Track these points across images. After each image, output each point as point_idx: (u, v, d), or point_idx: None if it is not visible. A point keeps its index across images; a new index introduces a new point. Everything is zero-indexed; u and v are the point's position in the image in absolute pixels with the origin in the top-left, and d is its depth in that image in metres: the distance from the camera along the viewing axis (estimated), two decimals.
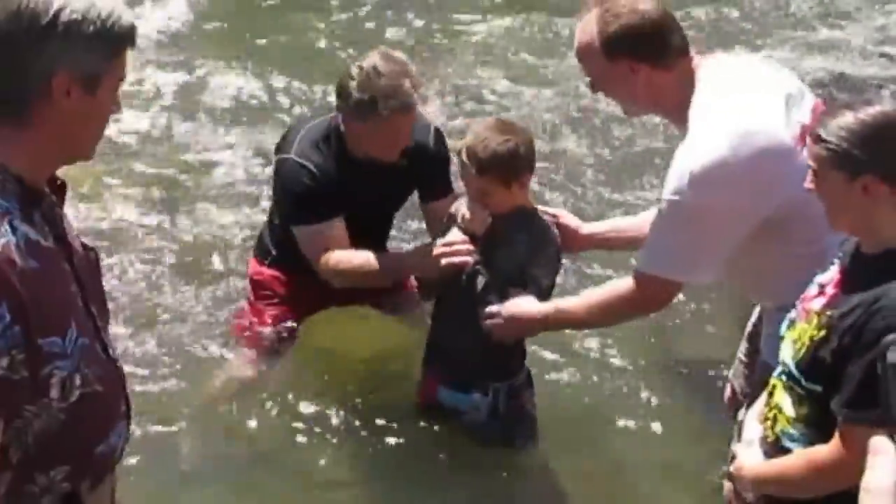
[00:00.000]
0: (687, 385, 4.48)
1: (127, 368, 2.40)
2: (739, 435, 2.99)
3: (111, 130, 2.76)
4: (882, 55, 7.59)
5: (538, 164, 4.03)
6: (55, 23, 2.04)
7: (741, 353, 3.69)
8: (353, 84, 3.86)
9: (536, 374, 4.08)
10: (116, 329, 4.32)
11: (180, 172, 6.10)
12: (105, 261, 4.96)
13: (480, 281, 3.73)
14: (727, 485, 3.28)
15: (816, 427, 2.64)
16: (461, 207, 3.80)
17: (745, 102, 3.19)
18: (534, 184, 4.27)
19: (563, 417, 4.25)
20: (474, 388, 3.84)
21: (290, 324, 4.43)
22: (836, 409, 2.55)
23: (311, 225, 4.05)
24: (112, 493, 2.40)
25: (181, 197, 5.87)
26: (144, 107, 6.67)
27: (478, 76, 7.16)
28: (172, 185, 5.98)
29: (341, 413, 4.27)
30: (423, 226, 4.56)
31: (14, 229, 2.05)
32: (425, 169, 4.16)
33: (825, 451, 2.60)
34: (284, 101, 6.93)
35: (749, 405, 3.06)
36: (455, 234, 3.79)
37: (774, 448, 2.75)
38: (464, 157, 3.64)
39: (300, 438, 4.22)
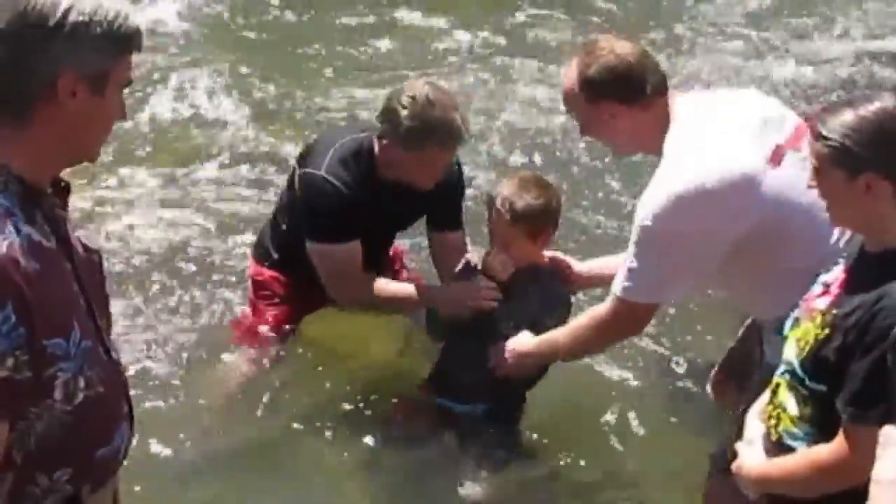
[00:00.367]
0: (688, 388, 4.48)
1: (128, 370, 2.39)
2: (739, 432, 2.99)
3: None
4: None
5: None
6: (63, 23, 2.04)
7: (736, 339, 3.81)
8: (405, 113, 3.90)
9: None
10: (116, 330, 4.30)
11: (182, 171, 6.11)
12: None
13: (497, 323, 3.92)
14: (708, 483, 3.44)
15: (820, 426, 2.63)
16: (475, 256, 4.05)
17: (714, 136, 3.32)
18: None
19: (564, 420, 4.27)
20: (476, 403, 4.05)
21: (289, 323, 4.44)
22: (840, 407, 2.54)
23: (333, 244, 4.06)
24: (114, 497, 2.39)
25: (182, 196, 5.87)
26: (145, 103, 6.69)
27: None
28: (173, 185, 5.99)
29: (341, 412, 4.27)
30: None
31: (17, 230, 2.05)
32: (446, 200, 4.24)
33: (828, 449, 2.59)
34: (285, 96, 6.97)
35: (747, 404, 3.08)
36: (481, 280, 3.97)
37: (777, 447, 2.74)
38: (499, 204, 3.80)
39: (301, 439, 4.22)
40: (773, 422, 2.76)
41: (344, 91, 7.05)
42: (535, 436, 4.15)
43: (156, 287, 5.01)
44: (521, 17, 8.05)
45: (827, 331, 2.57)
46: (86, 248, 2.29)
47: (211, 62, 7.25)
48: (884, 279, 2.53)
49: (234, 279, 5.01)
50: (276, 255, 4.41)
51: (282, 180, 5.92)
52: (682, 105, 3.43)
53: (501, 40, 7.77)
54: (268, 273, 4.44)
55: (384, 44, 7.74)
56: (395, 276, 4.48)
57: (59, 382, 2.10)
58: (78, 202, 5.47)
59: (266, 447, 4.22)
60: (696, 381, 4.38)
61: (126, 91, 2.18)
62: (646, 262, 3.34)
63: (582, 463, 4.12)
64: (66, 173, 2.22)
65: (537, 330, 3.84)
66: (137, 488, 3.67)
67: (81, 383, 2.15)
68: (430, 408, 4.15)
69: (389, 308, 4.31)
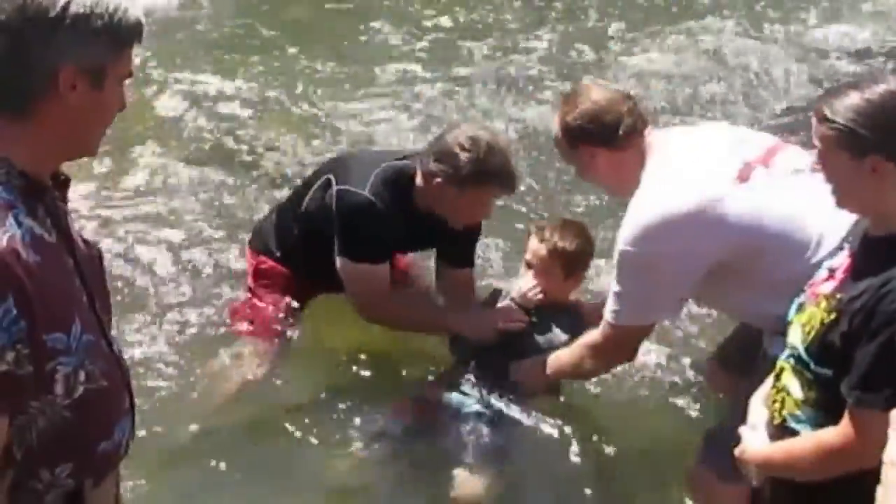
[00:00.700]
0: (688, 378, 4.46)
1: (129, 364, 2.39)
2: (744, 417, 2.99)
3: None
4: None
5: None
6: (63, 16, 2.03)
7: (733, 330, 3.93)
8: (466, 156, 4.03)
9: None
10: (117, 325, 4.30)
11: (183, 165, 6.11)
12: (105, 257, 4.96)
13: (521, 346, 4.13)
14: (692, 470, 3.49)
15: (825, 410, 2.63)
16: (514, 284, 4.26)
17: (684, 164, 3.54)
18: None
19: (567, 414, 4.24)
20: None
21: (291, 310, 4.46)
22: (845, 391, 2.53)
23: (369, 265, 4.17)
24: (116, 491, 2.39)
25: (184, 188, 5.87)
26: (151, 99, 6.70)
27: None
28: (175, 177, 5.99)
29: (344, 403, 4.27)
30: None
31: (19, 223, 2.04)
32: (465, 239, 4.41)
33: (833, 433, 2.59)
34: (285, 90, 6.97)
35: (750, 391, 3.08)
36: (510, 305, 4.18)
37: (781, 431, 2.74)
38: (546, 236, 4.10)
39: (303, 430, 4.21)
40: (776, 405, 2.76)
41: (349, 90, 7.07)
42: (540, 433, 4.14)
43: (156, 282, 5.01)
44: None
45: (833, 315, 2.56)
46: (86, 241, 2.28)
47: (214, 55, 7.27)
48: (889, 263, 2.52)
49: (234, 273, 5.00)
50: (277, 254, 4.46)
51: (281, 174, 5.97)
52: (658, 140, 3.66)
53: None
54: (270, 262, 4.48)
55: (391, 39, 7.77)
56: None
57: (59, 377, 2.10)
58: (79, 196, 5.47)
59: (267, 439, 4.22)
60: (698, 373, 4.38)
61: (128, 81, 2.17)
62: (628, 287, 3.55)
63: (584, 456, 4.10)
64: (66, 166, 2.22)
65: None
66: (139, 482, 3.68)
67: (82, 377, 2.14)
68: (435, 404, 4.20)
69: (414, 329, 4.43)
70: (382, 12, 8.16)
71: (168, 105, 6.75)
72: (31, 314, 2.01)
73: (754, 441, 2.80)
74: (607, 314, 3.65)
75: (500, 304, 4.22)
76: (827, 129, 2.57)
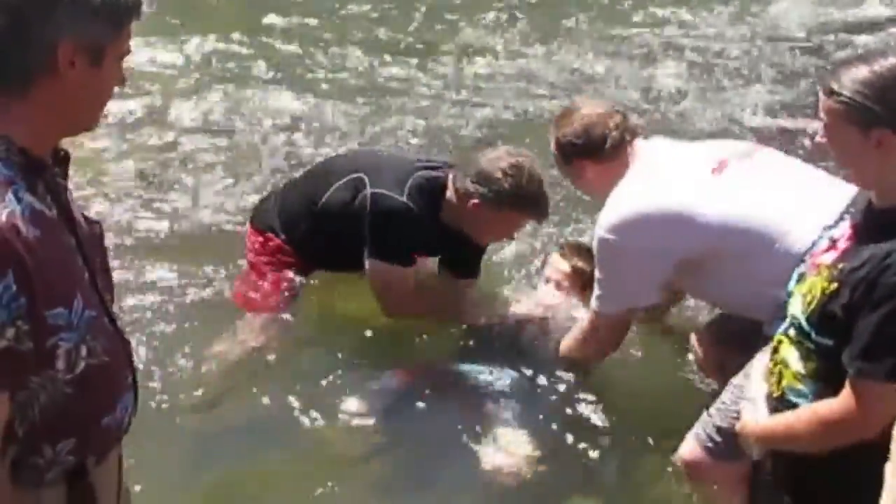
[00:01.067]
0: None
1: (132, 340, 2.39)
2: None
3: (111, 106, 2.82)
4: None
5: None
6: None
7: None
8: (508, 181, 4.17)
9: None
10: (118, 301, 4.30)
11: (183, 144, 6.12)
12: (107, 234, 4.96)
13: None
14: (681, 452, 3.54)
15: (824, 382, 2.63)
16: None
17: (661, 165, 3.79)
18: None
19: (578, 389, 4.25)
20: None
21: (294, 286, 4.47)
22: (846, 362, 2.53)
23: (400, 267, 4.29)
24: (119, 467, 2.40)
25: (183, 170, 5.86)
26: (147, 83, 6.69)
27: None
28: (173, 157, 5.98)
29: (351, 377, 4.27)
30: None
31: (19, 199, 2.04)
32: (476, 252, 4.56)
33: (833, 404, 2.59)
34: (287, 74, 6.96)
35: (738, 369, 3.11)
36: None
37: (780, 404, 2.74)
38: (566, 255, 4.47)
39: (310, 406, 4.19)
40: (774, 379, 2.76)
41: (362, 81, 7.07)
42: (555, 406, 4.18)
43: (160, 259, 4.99)
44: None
45: (834, 285, 2.56)
46: (86, 218, 2.28)
47: (213, 36, 7.28)
48: (892, 235, 2.52)
49: (237, 250, 4.98)
50: (282, 237, 4.48)
51: (288, 154, 5.97)
52: (641, 150, 3.88)
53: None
54: (277, 240, 4.49)
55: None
56: None
57: (60, 352, 2.10)
58: (82, 175, 5.49)
59: (274, 417, 4.19)
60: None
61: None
62: (604, 274, 3.78)
63: (595, 431, 4.12)
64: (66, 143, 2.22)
65: None
66: (142, 459, 3.68)
67: (84, 353, 2.15)
68: (446, 374, 4.27)
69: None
70: None
71: (159, 84, 6.76)
72: (31, 290, 2.01)
73: (754, 415, 2.79)
74: (591, 302, 3.87)
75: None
76: (833, 102, 2.57)
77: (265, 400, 4.25)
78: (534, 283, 4.70)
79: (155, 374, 4.21)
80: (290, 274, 4.48)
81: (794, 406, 2.71)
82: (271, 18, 7.81)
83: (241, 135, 6.27)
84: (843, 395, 2.56)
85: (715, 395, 3.62)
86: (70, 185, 2.25)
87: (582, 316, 4.12)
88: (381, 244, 4.25)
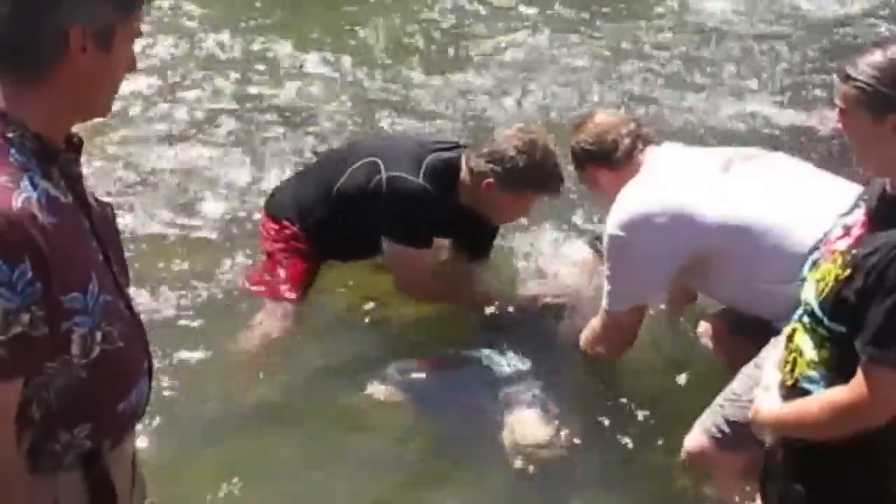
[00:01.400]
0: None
1: (148, 326, 2.40)
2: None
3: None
4: None
5: None
6: None
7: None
8: (522, 159, 4.20)
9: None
10: (136, 288, 4.32)
11: (195, 133, 6.13)
12: (123, 221, 4.98)
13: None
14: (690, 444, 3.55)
15: (837, 369, 2.61)
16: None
17: (670, 168, 3.86)
18: None
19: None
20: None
21: (309, 274, 4.49)
22: (859, 348, 2.52)
23: (419, 249, 4.34)
24: (133, 452, 2.41)
25: (196, 159, 5.87)
26: (154, 71, 6.71)
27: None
28: (186, 146, 5.99)
29: (365, 366, 4.29)
30: None
31: (34, 185, 2.05)
32: (489, 234, 4.62)
33: (845, 391, 2.57)
34: (290, 60, 6.98)
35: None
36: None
37: (793, 392, 2.72)
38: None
39: (324, 393, 4.23)
40: (788, 367, 2.74)
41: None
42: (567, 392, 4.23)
43: (175, 245, 5.03)
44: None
45: (848, 271, 2.55)
46: (97, 200, 2.29)
47: (214, 25, 7.30)
48: None
49: (254, 240, 5.00)
50: (297, 225, 4.49)
51: (303, 143, 5.97)
52: (652, 156, 3.94)
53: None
54: (293, 229, 4.49)
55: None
56: None
57: (75, 337, 2.11)
58: (96, 161, 5.51)
59: (288, 402, 4.23)
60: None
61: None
62: (614, 272, 3.84)
63: (609, 415, 4.15)
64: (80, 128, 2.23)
65: None
66: (157, 444, 3.70)
67: (99, 338, 2.15)
68: (465, 362, 4.31)
69: (457, 304, 4.60)
70: None
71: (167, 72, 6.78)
72: (46, 276, 2.01)
73: (767, 402, 2.78)
74: (603, 301, 3.91)
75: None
76: (849, 88, 2.56)
77: (279, 389, 4.28)
78: (546, 268, 4.72)
79: (170, 362, 4.22)
80: (306, 262, 4.48)
81: (806, 394, 2.69)
82: (286, 9, 7.82)
83: (254, 124, 6.27)
84: (855, 381, 2.55)
85: (724, 384, 3.61)
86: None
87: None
88: (398, 226, 4.27)
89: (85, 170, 2.25)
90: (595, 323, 4.02)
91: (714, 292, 4.01)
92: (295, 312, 4.46)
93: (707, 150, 4.20)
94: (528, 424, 4.05)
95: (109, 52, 2.11)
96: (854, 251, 2.56)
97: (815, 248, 2.81)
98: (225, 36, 7.25)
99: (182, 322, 4.48)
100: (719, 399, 3.55)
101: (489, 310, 4.45)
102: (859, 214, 2.68)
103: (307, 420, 4.15)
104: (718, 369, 4.08)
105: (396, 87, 6.76)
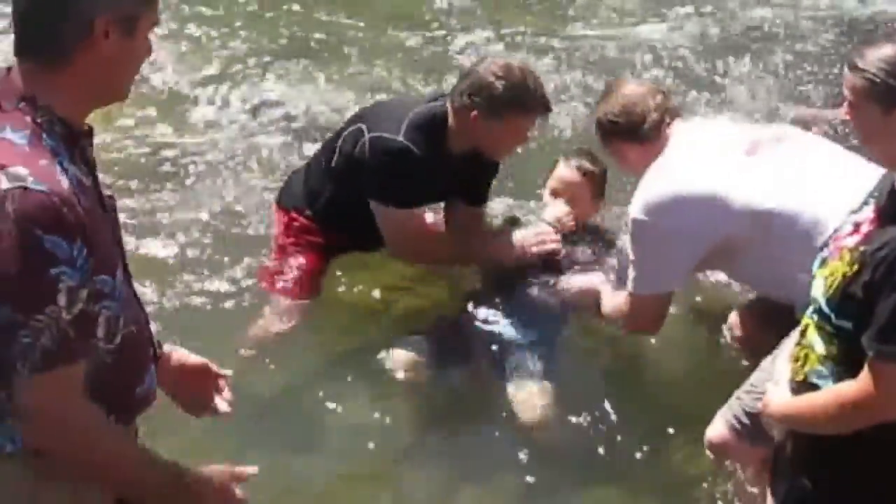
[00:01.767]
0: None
1: (157, 318, 2.43)
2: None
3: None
4: None
5: None
6: None
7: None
8: (500, 83, 4.09)
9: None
10: (141, 282, 4.32)
11: (208, 128, 6.13)
12: (134, 216, 5.00)
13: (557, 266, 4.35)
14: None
15: (847, 365, 2.61)
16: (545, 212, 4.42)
17: (697, 147, 3.78)
18: None
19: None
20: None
21: (319, 268, 4.47)
22: (866, 344, 2.52)
23: (407, 209, 4.23)
24: (135, 434, 2.44)
25: (203, 152, 5.86)
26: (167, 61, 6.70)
27: None
28: (193, 142, 5.98)
29: (372, 361, 4.26)
30: None
31: (65, 169, 2.09)
32: (488, 176, 4.50)
33: (853, 385, 2.57)
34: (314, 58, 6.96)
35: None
36: (545, 228, 4.33)
37: (803, 387, 2.72)
38: (574, 164, 4.38)
39: (332, 388, 4.22)
40: (799, 363, 2.74)
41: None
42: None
43: (183, 239, 5.01)
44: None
45: (856, 267, 2.54)
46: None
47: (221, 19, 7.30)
48: None
49: (260, 230, 5.01)
50: (308, 212, 4.46)
51: (310, 135, 5.97)
52: (679, 130, 3.87)
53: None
54: (301, 220, 4.48)
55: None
56: None
57: (101, 319, 2.14)
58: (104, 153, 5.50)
59: (295, 397, 4.23)
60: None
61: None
62: (640, 256, 3.78)
63: (612, 397, 4.16)
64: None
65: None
66: (165, 439, 3.68)
67: (121, 323, 2.18)
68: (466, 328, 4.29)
69: (453, 264, 4.54)
70: None
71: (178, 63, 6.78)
72: (91, 255, 2.06)
73: (777, 395, 2.79)
74: (628, 283, 3.85)
75: (531, 228, 4.37)
76: (857, 79, 2.57)
77: (281, 383, 4.27)
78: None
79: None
80: (316, 256, 4.47)
81: (816, 389, 2.69)
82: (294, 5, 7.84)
83: (268, 116, 6.27)
84: (862, 376, 2.55)
85: (746, 376, 3.60)
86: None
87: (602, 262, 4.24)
88: (381, 186, 4.19)
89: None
90: (621, 302, 3.97)
91: (738, 275, 4.01)
92: (301, 307, 4.45)
93: (734, 126, 4.10)
94: (529, 401, 4.03)
95: (134, 38, 2.15)
96: (862, 248, 2.56)
97: (825, 244, 2.81)
98: (232, 30, 7.25)
99: (189, 319, 4.46)
100: (739, 391, 3.54)
101: (486, 280, 4.42)
102: (869, 211, 2.67)
103: (313, 414, 4.15)
104: (729, 357, 4.13)
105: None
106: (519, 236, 4.35)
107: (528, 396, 4.04)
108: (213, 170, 5.65)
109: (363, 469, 3.94)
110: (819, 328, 2.68)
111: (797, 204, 3.56)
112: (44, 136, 2.10)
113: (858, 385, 2.56)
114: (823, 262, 2.71)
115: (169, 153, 5.81)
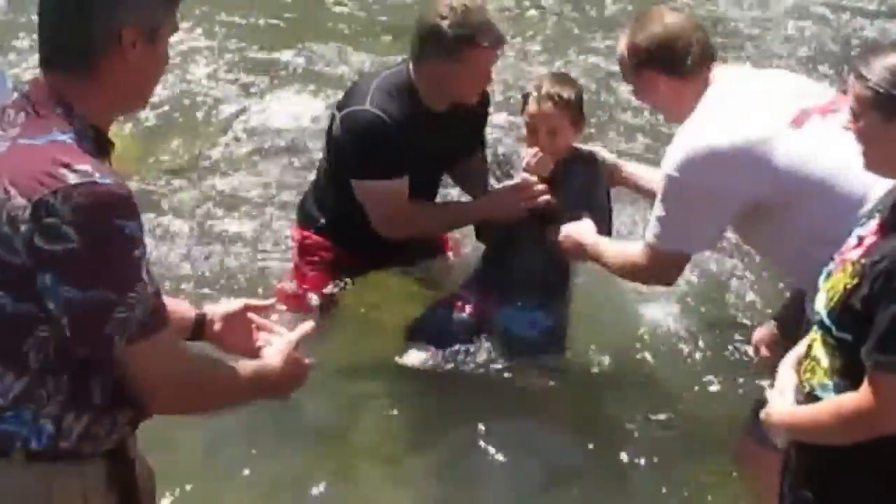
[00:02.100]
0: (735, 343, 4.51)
1: None
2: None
3: None
4: None
5: None
6: None
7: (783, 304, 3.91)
8: (447, 23, 3.96)
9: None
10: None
11: (211, 132, 6.20)
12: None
13: (554, 215, 4.12)
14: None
15: (850, 379, 2.61)
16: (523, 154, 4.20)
17: (738, 101, 3.50)
18: None
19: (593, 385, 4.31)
20: (538, 309, 4.19)
21: (333, 288, 4.46)
22: (865, 355, 2.52)
23: (385, 180, 4.08)
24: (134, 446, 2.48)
25: (215, 157, 5.94)
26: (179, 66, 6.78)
27: None
28: (204, 146, 6.06)
29: (381, 380, 4.31)
30: None
31: None
32: (479, 123, 4.38)
33: (854, 397, 2.57)
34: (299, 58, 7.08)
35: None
36: (527, 178, 4.12)
37: (808, 400, 2.72)
38: (544, 94, 4.07)
39: (337, 402, 4.25)
40: (806, 375, 2.75)
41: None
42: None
43: (197, 252, 5.07)
44: None
45: (856, 279, 2.55)
46: None
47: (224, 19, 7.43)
48: None
49: (276, 245, 5.07)
50: (322, 220, 4.43)
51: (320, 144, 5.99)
52: (721, 75, 3.59)
53: None
54: (315, 238, 4.47)
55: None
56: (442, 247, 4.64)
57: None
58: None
59: (301, 412, 4.19)
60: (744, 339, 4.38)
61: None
62: (669, 212, 3.53)
63: (622, 397, 4.22)
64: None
65: (591, 209, 4.09)
66: (168, 453, 3.64)
67: None
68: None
69: (442, 231, 4.45)
70: None
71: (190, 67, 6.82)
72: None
73: (780, 404, 2.79)
74: (648, 235, 3.65)
75: (515, 179, 4.19)
76: (861, 88, 2.57)
77: (297, 399, 4.28)
78: None
79: None
80: (326, 274, 4.46)
81: (819, 400, 2.69)
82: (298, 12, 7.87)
83: (281, 125, 6.32)
84: (862, 388, 2.55)
85: (754, 382, 3.62)
86: None
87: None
88: (356, 160, 4.08)
89: None
90: (635, 253, 3.75)
91: (759, 242, 3.77)
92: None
93: (779, 79, 3.78)
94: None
95: (157, 47, 2.23)
96: (863, 260, 2.57)
97: (830, 259, 2.82)
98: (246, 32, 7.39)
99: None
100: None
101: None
102: (873, 225, 2.67)
103: (319, 427, 4.18)
104: (736, 360, 4.17)
105: None
106: (505, 191, 4.18)
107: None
108: (235, 176, 5.74)
109: (363, 470, 3.97)
110: (823, 341, 2.69)
111: (838, 176, 3.32)
112: (83, 142, 2.18)
113: (859, 396, 2.56)
114: (828, 276, 2.72)
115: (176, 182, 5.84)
